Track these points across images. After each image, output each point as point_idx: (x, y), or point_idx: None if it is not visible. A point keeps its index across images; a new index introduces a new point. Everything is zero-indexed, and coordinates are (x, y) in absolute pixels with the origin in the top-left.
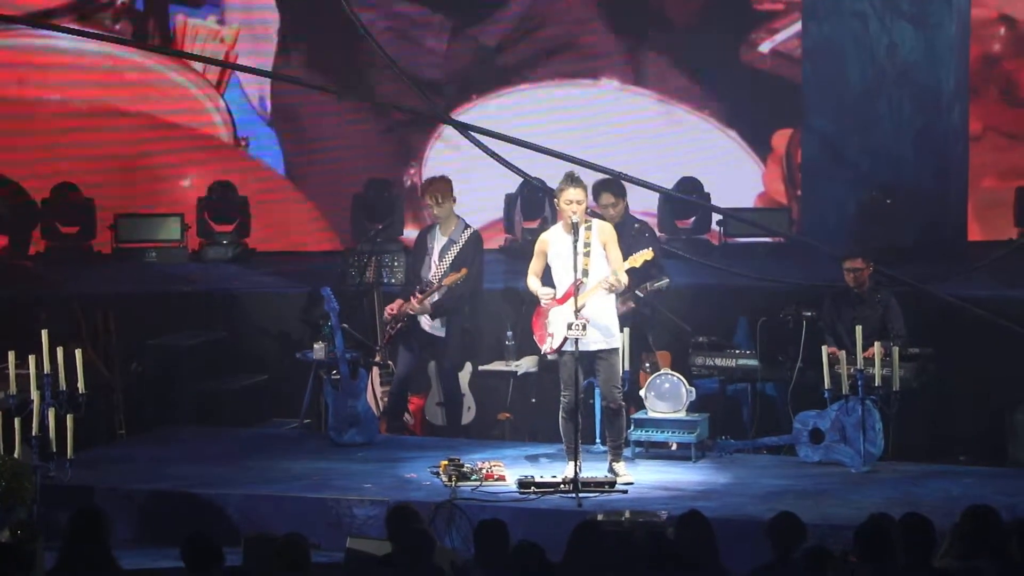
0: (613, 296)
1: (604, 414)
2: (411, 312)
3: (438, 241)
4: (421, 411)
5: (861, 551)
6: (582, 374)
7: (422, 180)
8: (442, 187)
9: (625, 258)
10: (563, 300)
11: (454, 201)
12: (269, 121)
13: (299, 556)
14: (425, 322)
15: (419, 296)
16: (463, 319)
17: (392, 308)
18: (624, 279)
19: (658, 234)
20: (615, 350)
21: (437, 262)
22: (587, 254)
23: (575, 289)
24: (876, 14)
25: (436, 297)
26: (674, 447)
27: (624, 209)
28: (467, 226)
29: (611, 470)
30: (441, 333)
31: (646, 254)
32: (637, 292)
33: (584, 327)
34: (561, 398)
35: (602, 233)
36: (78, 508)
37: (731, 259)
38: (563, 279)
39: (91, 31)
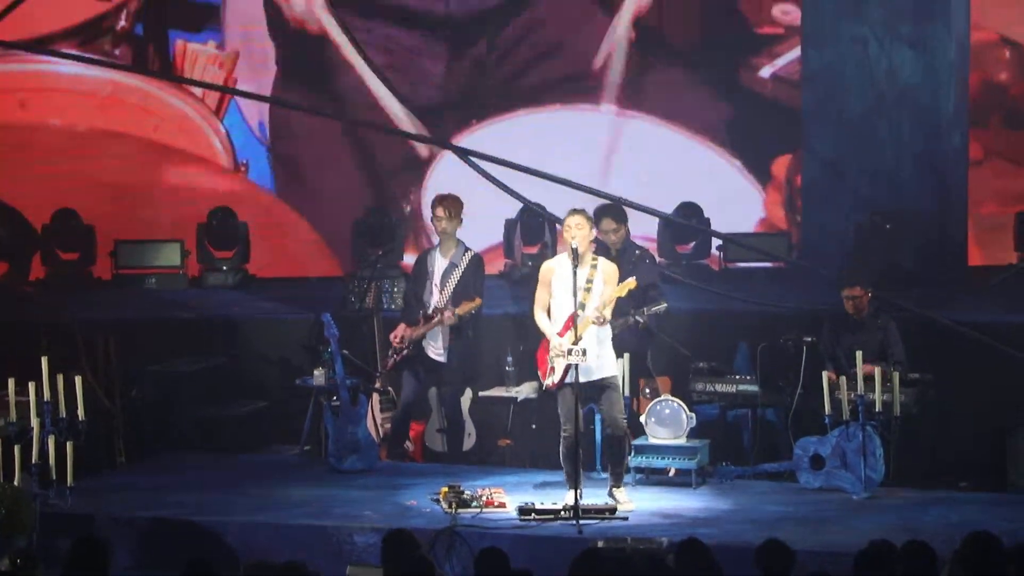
0: (608, 328)
1: (606, 441)
2: (416, 337)
3: (438, 264)
4: (421, 437)
5: None
6: (582, 405)
7: (421, 206)
8: (455, 202)
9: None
10: (562, 332)
11: (461, 221)
12: (268, 146)
13: None
14: (430, 349)
15: (425, 322)
16: (467, 344)
17: (396, 335)
18: (608, 314)
19: (658, 259)
20: (615, 377)
21: (439, 286)
22: (588, 290)
23: (572, 320)
24: (876, 38)
25: (446, 319)
26: (672, 473)
27: (625, 235)
28: (467, 249)
29: (611, 496)
30: (444, 358)
31: (629, 283)
32: (636, 317)
33: (583, 353)
34: (562, 432)
35: (605, 274)
36: (78, 537)
37: (731, 284)
38: (561, 309)
39: (90, 57)
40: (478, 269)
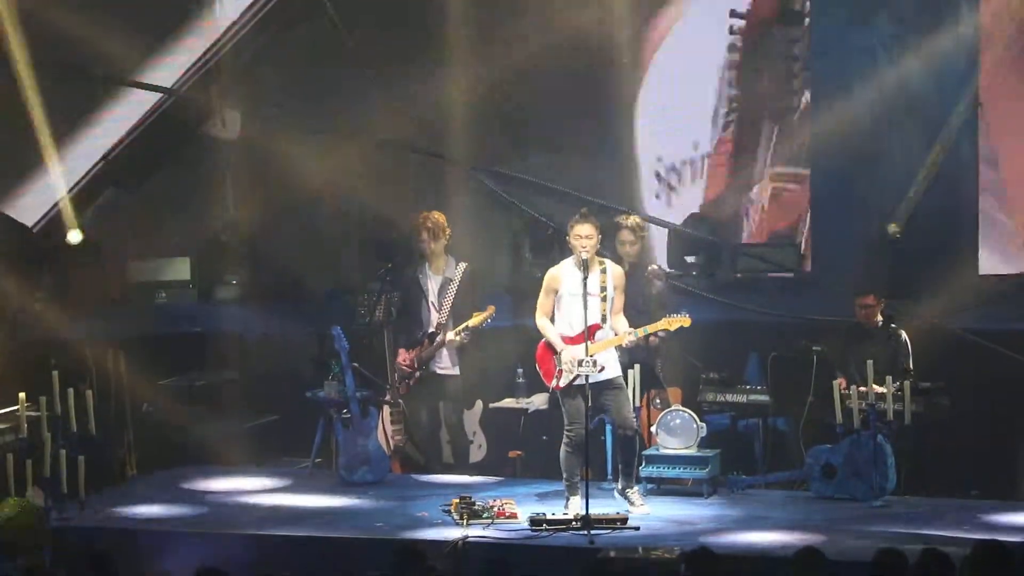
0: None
1: (619, 442)
2: (427, 358)
3: (432, 281)
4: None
5: None
6: (592, 409)
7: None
8: (439, 222)
9: (635, 297)
10: (574, 341)
11: (448, 239)
12: None
13: None
14: (436, 366)
15: (430, 342)
16: (473, 357)
17: (406, 360)
18: (641, 335)
19: (668, 270)
20: (619, 378)
21: (436, 304)
22: (603, 299)
23: (592, 332)
24: (884, 48)
25: (452, 337)
26: (691, 483)
27: (640, 249)
28: (459, 262)
29: (624, 495)
30: (454, 371)
31: (682, 320)
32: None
33: (595, 364)
34: (566, 431)
35: (615, 278)
36: (89, 551)
37: (741, 295)
38: (574, 320)
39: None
40: (473, 283)
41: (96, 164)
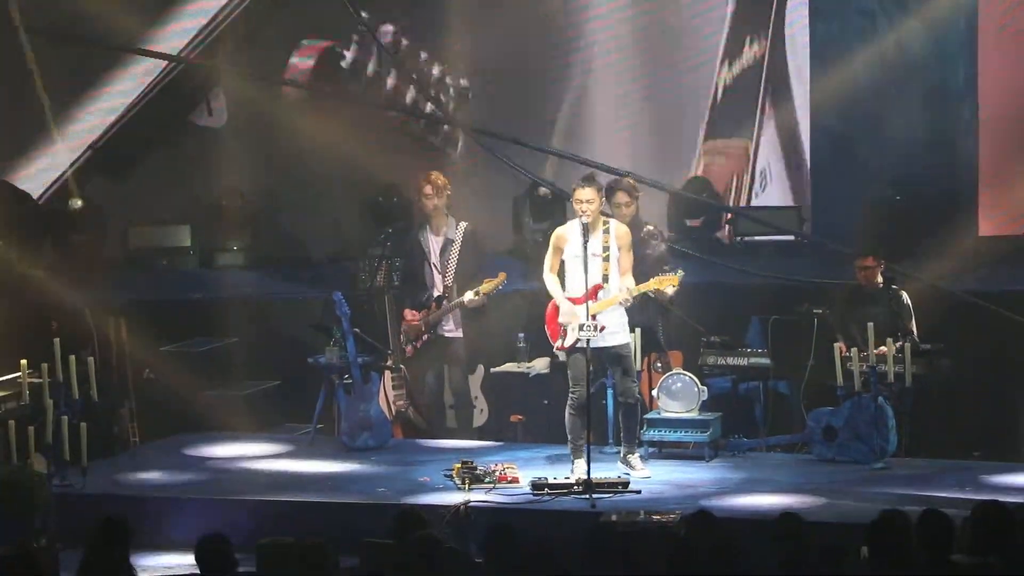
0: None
1: (619, 409)
2: (435, 320)
3: (433, 242)
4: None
5: (875, 548)
6: (593, 374)
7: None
8: (440, 179)
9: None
10: (580, 301)
11: (448, 199)
12: None
13: (320, 564)
14: (443, 329)
15: (437, 305)
16: (480, 321)
17: (414, 319)
18: (635, 293)
19: (667, 233)
20: (627, 345)
21: (438, 266)
22: (606, 259)
23: (592, 293)
24: (883, 12)
25: (471, 303)
26: (693, 446)
27: (636, 210)
28: (459, 222)
29: (626, 462)
30: (458, 334)
31: (672, 279)
32: (649, 228)
33: (596, 328)
34: (570, 394)
35: (619, 238)
36: (99, 517)
37: (742, 258)
38: (577, 279)
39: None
40: (475, 242)
41: (84, 153)
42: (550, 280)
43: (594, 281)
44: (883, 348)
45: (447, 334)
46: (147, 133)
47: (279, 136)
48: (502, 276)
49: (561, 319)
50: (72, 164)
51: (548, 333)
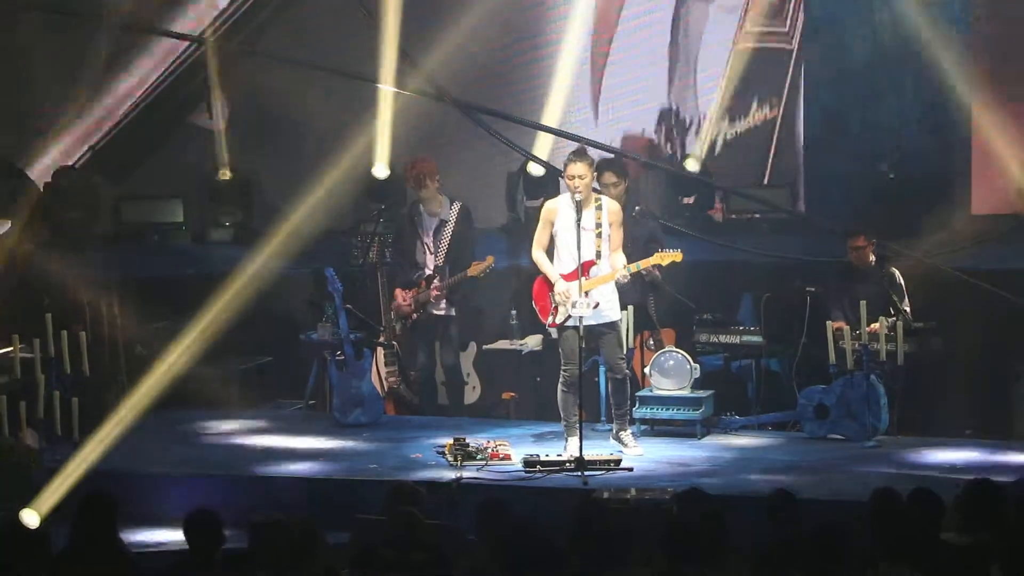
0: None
1: (610, 384)
2: (432, 299)
3: (427, 222)
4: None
5: (869, 525)
6: (585, 349)
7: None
8: (425, 169)
9: (625, 239)
10: (570, 277)
11: (438, 183)
12: None
13: (308, 540)
14: (437, 307)
15: (437, 285)
16: (470, 299)
17: (406, 299)
18: (633, 270)
19: (659, 212)
20: (616, 322)
21: (431, 246)
22: (599, 235)
23: (584, 269)
24: None
25: (452, 280)
26: (683, 424)
27: (625, 190)
28: (453, 201)
29: (618, 438)
30: (451, 312)
31: (674, 256)
32: (640, 207)
33: (595, 305)
34: (562, 371)
35: (611, 214)
36: (86, 492)
37: (734, 236)
38: (569, 255)
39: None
40: (468, 222)
41: (83, 153)
42: (540, 257)
43: (587, 257)
44: (875, 325)
45: (437, 312)
46: (147, 135)
47: (272, 111)
48: (490, 259)
49: (556, 298)
50: (79, 158)
51: (537, 310)
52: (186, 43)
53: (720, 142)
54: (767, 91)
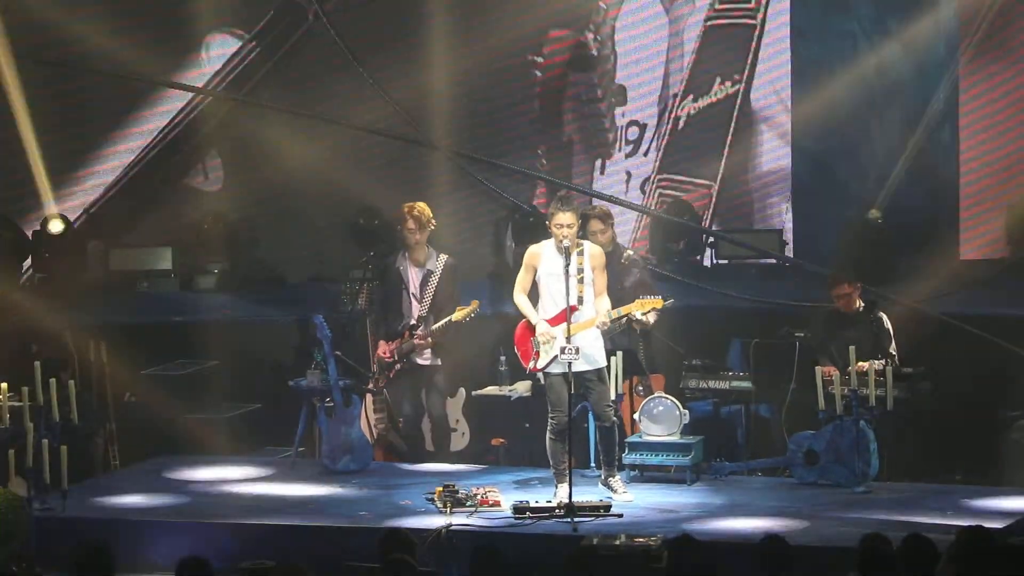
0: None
1: (598, 432)
2: (416, 348)
3: (412, 274)
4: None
5: (859, 572)
6: (573, 397)
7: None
8: (425, 212)
9: (612, 285)
10: (554, 322)
11: (431, 228)
12: None
13: None
14: (421, 357)
15: (421, 333)
16: (454, 347)
17: (387, 351)
18: (613, 316)
19: (649, 257)
20: (602, 370)
21: (417, 296)
22: (580, 280)
23: (567, 314)
24: (864, 33)
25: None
26: (674, 470)
27: (612, 237)
28: (439, 254)
29: (607, 484)
30: (436, 362)
31: (654, 303)
32: (629, 253)
33: (577, 351)
34: (550, 419)
35: (593, 259)
36: (82, 543)
37: (723, 281)
38: (553, 301)
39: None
40: (454, 276)
41: (79, 217)
42: (522, 300)
43: (570, 302)
44: (863, 364)
45: (422, 362)
46: (143, 197)
47: (260, 158)
48: (474, 304)
49: (539, 338)
50: (75, 220)
51: (519, 354)
52: (183, 104)
53: (683, 118)
54: (730, 69)
